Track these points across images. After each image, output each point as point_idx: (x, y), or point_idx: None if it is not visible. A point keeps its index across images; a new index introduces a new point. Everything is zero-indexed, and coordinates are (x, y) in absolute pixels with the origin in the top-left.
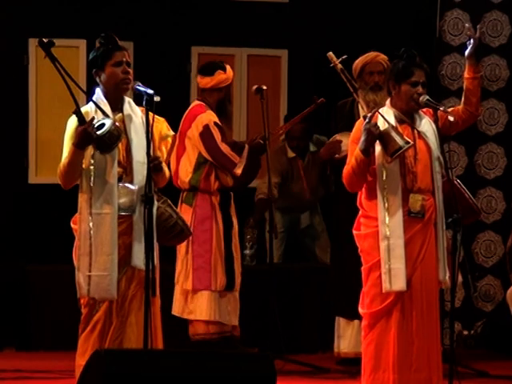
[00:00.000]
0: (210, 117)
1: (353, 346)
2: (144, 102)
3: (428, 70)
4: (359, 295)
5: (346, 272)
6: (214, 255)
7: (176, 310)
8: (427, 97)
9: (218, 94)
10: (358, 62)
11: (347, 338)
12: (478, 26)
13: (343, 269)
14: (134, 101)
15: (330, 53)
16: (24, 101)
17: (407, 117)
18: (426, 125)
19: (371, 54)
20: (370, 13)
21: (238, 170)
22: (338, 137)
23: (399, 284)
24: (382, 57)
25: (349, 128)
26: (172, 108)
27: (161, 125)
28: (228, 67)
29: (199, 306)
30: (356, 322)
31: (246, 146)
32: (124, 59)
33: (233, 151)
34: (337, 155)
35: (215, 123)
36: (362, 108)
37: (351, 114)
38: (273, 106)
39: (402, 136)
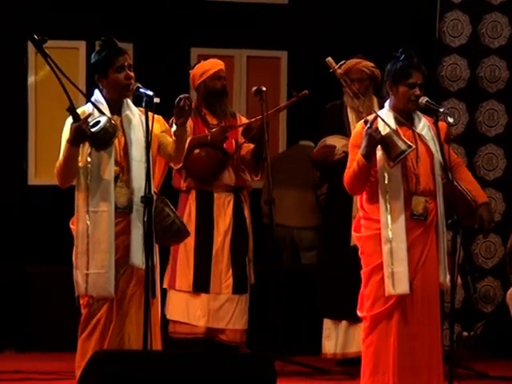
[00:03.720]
0: None
1: (340, 347)
2: (144, 104)
3: (426, 72)
4: (347, 296)
5: (333, 273)
6: (181, 255)
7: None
8: (427, 98)
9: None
10: (342, 69)
11: (333, 339)
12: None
13: (330, 270)
14: (134, 102)
15: (329, 58)
16: (23, 102)
17: (406, 119)
18: (425, 128)
19: (352, 62)
20: (370, 14)
21: None
22: (328, 140)
23: (402, 287)
24: (364, 64)
25: (338, 131)
26: (172, 109)
27: (159, 123)
28: (196, 66)
29: (169, 304)
30: (344, 322)
31: (188, 138)
32: (126, 63)
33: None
34: (329, 161)
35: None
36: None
37: (340, 118)
38: (272, 107)
39: (403, 140)
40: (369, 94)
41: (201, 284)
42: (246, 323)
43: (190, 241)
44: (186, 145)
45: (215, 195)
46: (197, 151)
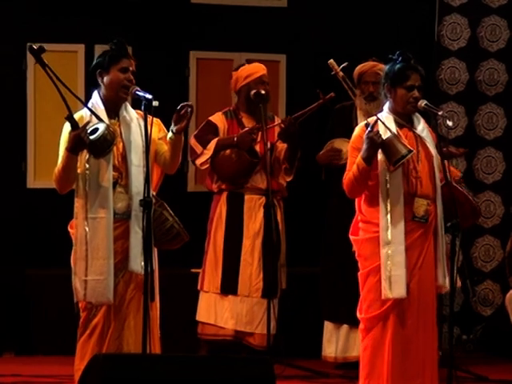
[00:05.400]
0: (211, 117)
1: (341, 350)
2: (143, 107)
3: (423, 73)
4: (349, 299)
5: (335, 276)
6: (210, 256)
7: None
8: (426, 101)
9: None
10: (356, 71)
11: (334, 342)
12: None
13: (332, 273)
14: (133, 105)
15: (331, 60)
16: (22, 105)
17: (406, 120)
18: (425, 130)
19: (368, 64)
20: (369, 17)
21: (198, 161)
22: (335, 144)
23: (399, 291)
24: (380, 67)
25: (347, 134)
26: (171, 113)
27: (157, 127)
28: (241, 68)
29: (198, 305)
30: (345, 326)
31: (215, 139)
32: (131, 68)
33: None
34: (334, 163)
35: (207, 121)
36: (364, 115)
37: (349, 120)
38: (272, 110)
39: (404, 144)
40: (381, 97)
41: (228, 286)
42: (275, 328)
43: (220, 242)
44: (181, 149)
45: (246, 197)
46: (228, 152)
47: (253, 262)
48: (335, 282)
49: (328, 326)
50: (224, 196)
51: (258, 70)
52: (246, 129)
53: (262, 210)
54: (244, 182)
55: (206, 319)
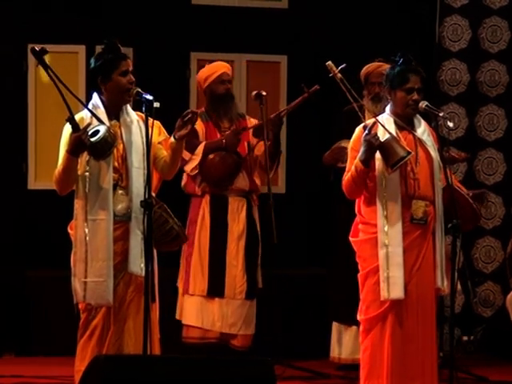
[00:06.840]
0: None
1: (350, 352)
2: (144, 108)
3: (424, 75)
4: (357, 301)
5: (344, 277)
6: (195, 259)
7: (177, 312)
8: (426, 103)
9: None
10: (362, 72)
11: (344, 343)
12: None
13: (341, 274)
14: (134, 107)
15: (329, 62)
16: (23, 106)
17: (406, 123)
18: (425, 133)
19: (373, 65)
20: (370, 18)
21: (187, 167)
22: (343, 144)
23: (397, 292)
24: (386, 67)
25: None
26: (171, 114)
27: (157, 130)
28: (200, 71)
29: (183, 308)
30: (354, 327)
31: (202, 143)
32: (130, 68)
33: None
34: (340, 164)
35: None
36: (364, 118)
37: (357, 122)
38: (272, 111)
39: (402, 146)
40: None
41: (215, 288)
42: (254, 328)
43: (205, 245)
44: (182, 155)
45: (229, 200)
46: (211, 156)
47: (237, 265)
48: (343, 283)
49: (337, 327)
50: (207, 199)
51: (216, 69)
52: (231, 130)
53: (244, 212)
54: (229, 183)
55: (193, 322)
